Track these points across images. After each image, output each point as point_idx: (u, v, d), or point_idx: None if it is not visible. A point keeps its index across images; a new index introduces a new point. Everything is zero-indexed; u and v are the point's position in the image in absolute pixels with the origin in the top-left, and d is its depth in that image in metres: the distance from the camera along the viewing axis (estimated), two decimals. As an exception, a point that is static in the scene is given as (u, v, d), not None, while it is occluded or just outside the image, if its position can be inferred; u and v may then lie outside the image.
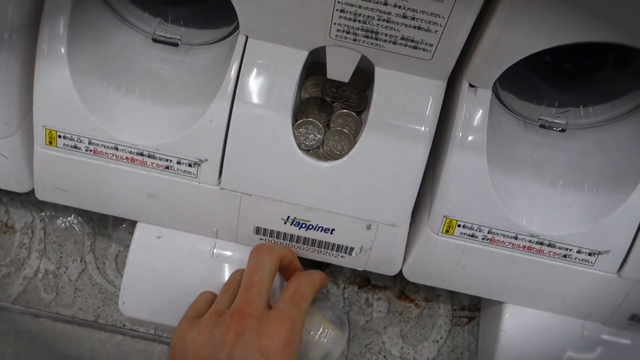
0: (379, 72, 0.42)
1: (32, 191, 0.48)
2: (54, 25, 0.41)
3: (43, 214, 0.55)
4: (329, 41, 0.40)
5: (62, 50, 0.42)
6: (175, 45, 0.46)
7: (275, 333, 0.39)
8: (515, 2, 0.34)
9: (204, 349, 0.39)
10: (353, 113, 0.46)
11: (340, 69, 0.42)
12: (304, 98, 0.47)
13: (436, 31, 0.37)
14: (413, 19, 0.37)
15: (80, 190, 0.46)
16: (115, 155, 0.44)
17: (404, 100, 0.42)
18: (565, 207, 0.44)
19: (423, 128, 0.42)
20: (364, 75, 0.46)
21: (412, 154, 0.42)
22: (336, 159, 0.43)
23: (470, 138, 0.41)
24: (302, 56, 0.41)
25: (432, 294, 0.54)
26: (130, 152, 0.43)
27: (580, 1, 0.33)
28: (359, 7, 0.37)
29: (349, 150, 0.42)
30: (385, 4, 0.36)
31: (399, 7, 0.36)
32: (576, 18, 0.34)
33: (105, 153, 0.44)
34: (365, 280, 0.54)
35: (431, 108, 0.42)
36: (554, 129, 0.45)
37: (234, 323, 0.39)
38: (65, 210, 0.54)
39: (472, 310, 0.54)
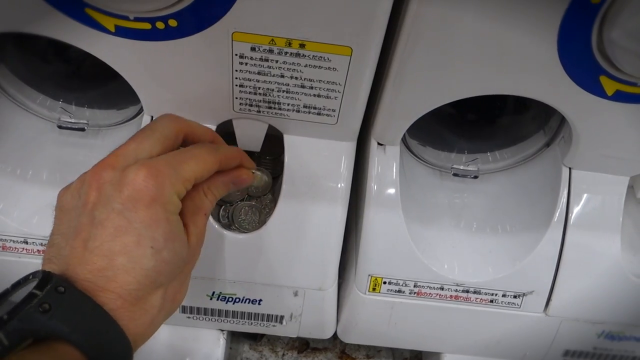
0: (289, 140, 0.42)
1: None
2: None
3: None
4: (234, 114, 0.40)
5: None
6: (82, 130, 0.45)
7: (139, 182, 0.29)
8: (401, 67, 0.35)
9: (69, 214, 0.31)
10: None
11: (249, 139, 0.42)
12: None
13: (336, 97, 0.38)
14: (311, 88, 0.37)
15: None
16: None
17: (315, 164, 0.42)
18: (486, 252, 0.44)
19: (338, 190, 0.42)
20: (278, 142, 0.46)
21: (330, 216, 0.42)
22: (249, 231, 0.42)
23: (384, 195, 0.42)
24: (210, 130, 0.41)
25: (373, 350, 0.54)
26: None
27: (458, 64, 0.34)
28: (257, 81, 0.37)
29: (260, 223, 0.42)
30: (282, 76, 0.36)
31: (296, 78, 0.37)
32: (458, 77, 0.35)
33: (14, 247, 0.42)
34: (304, 344, 0.53)
35: (343, 170, 0.42)
36: (467, 176, 0.46)
37: (95, 178, 0.30)
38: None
39: (415, 362, 0.54)
